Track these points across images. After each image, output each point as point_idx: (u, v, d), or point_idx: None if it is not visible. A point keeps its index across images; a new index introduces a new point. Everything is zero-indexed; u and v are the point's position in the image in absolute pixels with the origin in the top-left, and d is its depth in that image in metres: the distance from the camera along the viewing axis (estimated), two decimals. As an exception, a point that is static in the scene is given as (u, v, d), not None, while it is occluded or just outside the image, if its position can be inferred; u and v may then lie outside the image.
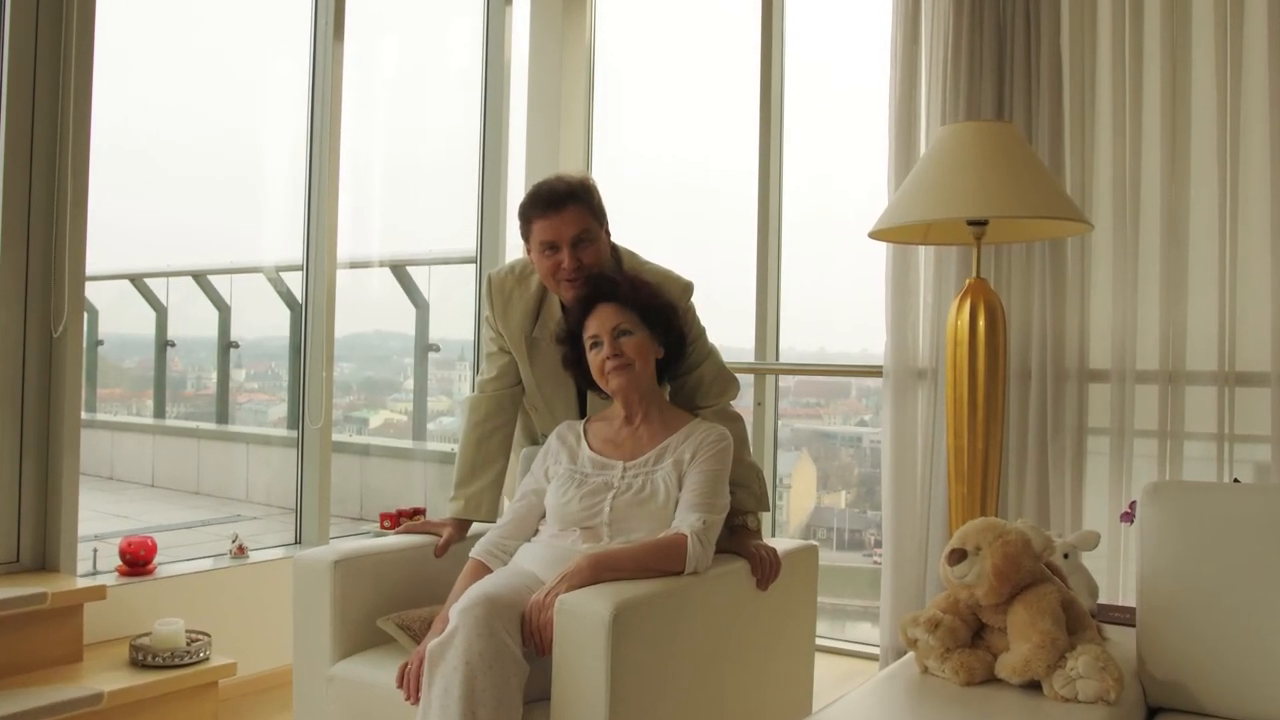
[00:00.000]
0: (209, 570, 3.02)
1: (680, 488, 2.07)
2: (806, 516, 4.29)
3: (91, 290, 2.79)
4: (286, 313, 4.01)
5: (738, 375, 2.40)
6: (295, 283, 3.64)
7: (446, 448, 4.39)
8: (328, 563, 2.09)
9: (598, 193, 2.27)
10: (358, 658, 2.08)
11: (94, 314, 4.38)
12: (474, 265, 4.07)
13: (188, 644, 2.65)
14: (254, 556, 3.17)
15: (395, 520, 3.40)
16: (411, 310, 4.50)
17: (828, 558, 4.05)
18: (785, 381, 3.94)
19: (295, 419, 3.52)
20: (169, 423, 5.17)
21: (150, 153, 4.02)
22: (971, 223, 2.50)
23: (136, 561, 2.86)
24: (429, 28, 4.50)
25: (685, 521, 2.00)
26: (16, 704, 2.27)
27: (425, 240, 4.45)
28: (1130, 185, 2.88)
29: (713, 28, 4.18)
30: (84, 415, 2.74)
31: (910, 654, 1.81)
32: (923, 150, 3.07)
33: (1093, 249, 2.95)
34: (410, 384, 4.70)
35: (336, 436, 3.53)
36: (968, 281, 2.59)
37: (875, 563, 3.79)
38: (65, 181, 2.65)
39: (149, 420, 5.22)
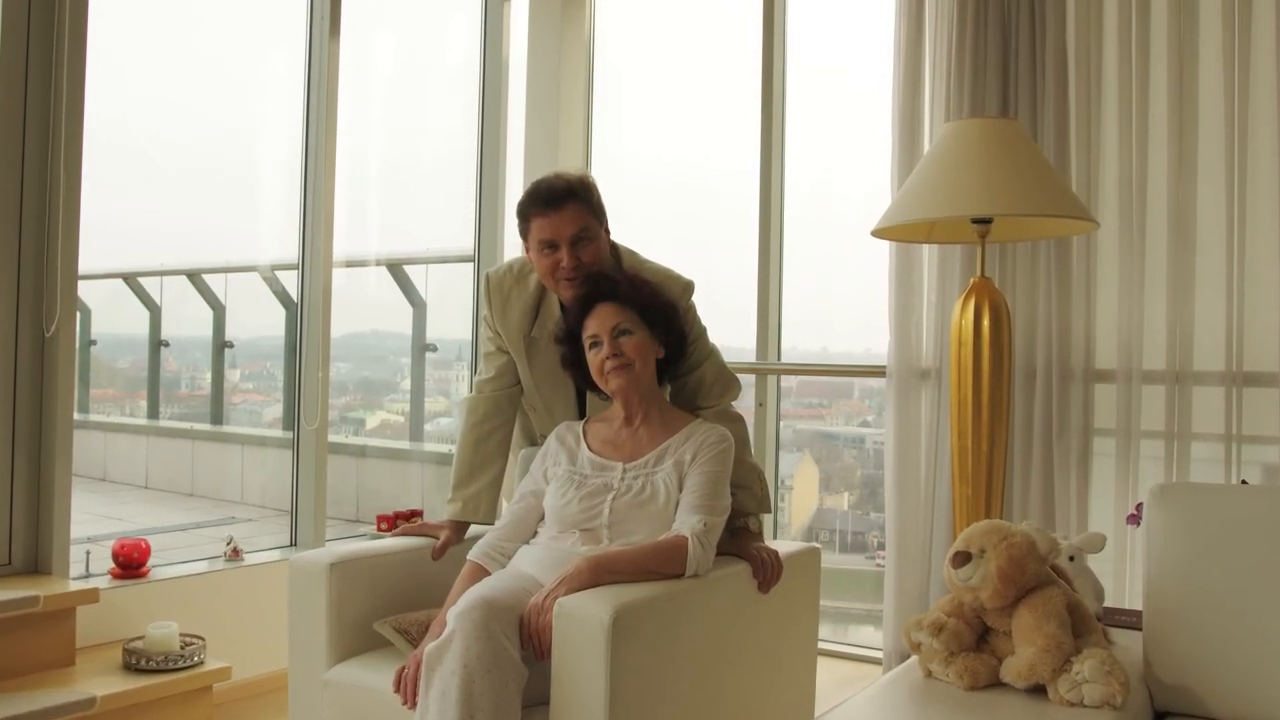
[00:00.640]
0: (203, 573, 3.02)
1: (681, 489, 2.07)
2: (809, 518, 4.29)
3: (84, 289, 2.79)
4: (282, 312, 4.00)
5: (739, 375, 2.40)
6: (291, 282, 3.64)
7: (444, 449, 4.39)
8: (324, 565, 2.09)
9: (597, 190, 2.27)
10: (354, 661, 2.08)
11: (87, 313, 4.38)
12: (472, 264, 4.07)
13: (182, 648, 2.65)
14: (249, 559, 3.17)
15: (392, 522, 3.39)
16: (408, 309, 4.50)
17: (830, 560, 4.05)
18: (787, 382, 3.93)
19: (291, 420, 3.52)
20: (163, 423, 5.17)
21: (144, 150, 4.02)
22: (976, 221, 2.50)
23: (130, 564, 2.86)
24: (426, 24, 4.50)
25: (686, 523, 2.00)
26: (8, 709, 2.27)
27: (422, 239, 4.45)
28: (1137, 183, 2.87)
29: (713, 24, 4.18)
30: (77, 416, 2.75)
31: (914, 658, 1.81)
32: (926, 147, 3.07)
33: (1098, 247, 2.95)
34: (407, 384, 4.70)
35: (333, 437, 3.53)
36: (972, 280, 2.59)
37: (878, 565, 3.79)
38: (58, 179, 2.65)
39: (142, 421, 5.22)
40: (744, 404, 3.49)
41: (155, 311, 4.98)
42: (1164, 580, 1.77)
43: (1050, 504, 2.95)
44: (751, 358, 3.66)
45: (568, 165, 3.96)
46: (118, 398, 5.34)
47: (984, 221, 2.50)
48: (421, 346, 4.56)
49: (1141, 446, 2.87)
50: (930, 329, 3.13)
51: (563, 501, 2.11)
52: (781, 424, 3.80)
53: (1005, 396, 2.56)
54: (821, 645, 2.62)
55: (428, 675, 1.76)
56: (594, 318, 2.14)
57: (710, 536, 2.00)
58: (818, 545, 2.45)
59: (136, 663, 2.58)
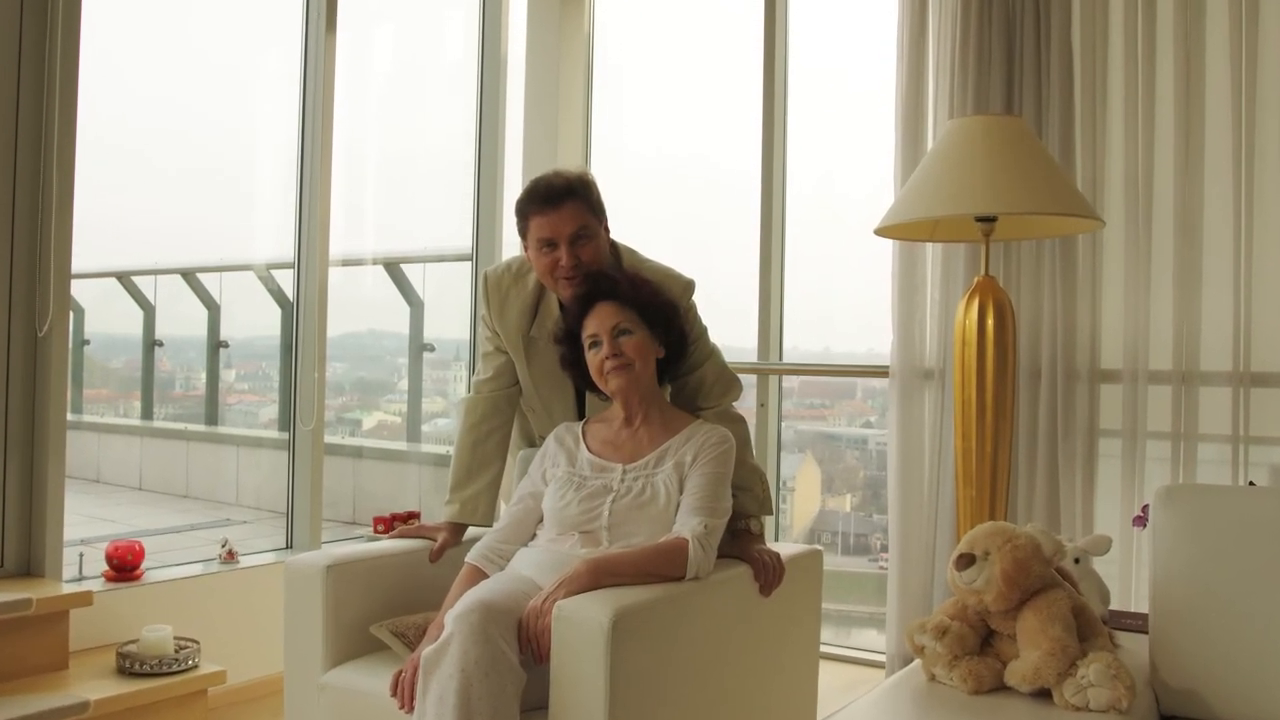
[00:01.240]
0: (198, 575, 3.02)
1: (681, 491, 2.07)
2: (811, 520, 4.29)
3: (77, 288, 2.79)
4: (278, 311, 4.00)
5: (740, 376, 2.40)
6: (286, 281, 3.64)
7: (442, 450, 4.39)
8: (320, 568, 2.09)
9: (596, 188, 2.27)
10: (350, 665, 2.08)
11: (80, 313, 4.38)
12: (470, 263, 4.07)
13: (176, 651, 2.65)
14: (244, 561, 3.17)
15: (389, 524, 3.40)
16: (406, 309, 4.50)
17: (832, 562, 4.05)
18: (789, 382, 3.94)
19: (286, 420, 3.52)
20: (157, 424, 5.16)
21: (138, 147, 4.01)
22: (980, 219, 2.50)
23: (124, 566, 2.86)
24: (424, 20, 4.50)
25: (686, 525, 2.00)
26: (1, 713, 2.26)
27: (420, 237, 4.45)
28: (1143, 180, 2.88)
29: (714, 20, 4.18)
30: (70, 417, 2.74)
31: (917, 661, 1.80)
32: (930, 145, 3.07)
33: (1104, 246, 2.95)
34: (404, 385, 4.70)
35: (329, 438, 3.53)
36: (976, 279, 2.59)
37: (881, 568, 3.79)
38: (50, 177, 2.65)
39: (136, 422, 5.21)
40: (745, 404, 3.50)
41: (149, 311, 4.98)
42: (1170, 583, 1.77)
43: (1055, 506, 2.95)
44: (753, 358, 3.66)
45: (567, 163, 3.96)
46: (111, 398, 5.34)
47: (988, 220, 2.50)
48: (419, 346, 4.57)
49: (1148, 447, 2.87)
50: (934, 328, 3.13)
51: (562, 503, 2.11)
52: (783, 425, 3.80)
53: (1009, 397, 2.56)
54: (824, 649, 2.62)
55: (425, 679, 1.76)
56: (593, 317, 2.14)
57: (711, 539, 2.00)
58: (820, 547, 2.45)
59: (130, 666, 2.58)
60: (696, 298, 2.36)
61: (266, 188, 4.00)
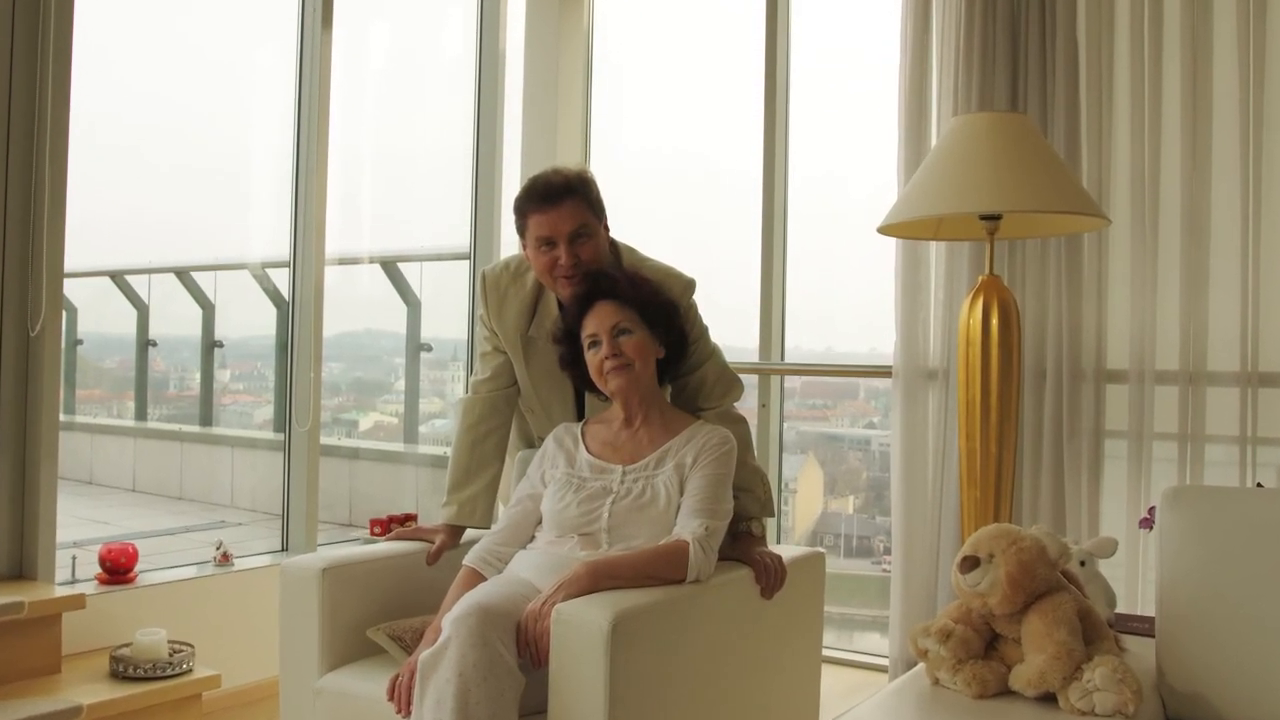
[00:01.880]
0: (192, 578, 3.02)
1: (682, 492, 2.07)
2: (813, 522, 4.29)
3: (70, 287, 2.79)
4: (273, 311, 4.00)
5: (741, 376, 2.40)
6: (282, 280, 3.64)
7: (439, 451, 4.39)
8: (315, 571, 2.09)
9: (596, 186, 2.27)
10: (347, 669, 2.08)
11: (73, 312, 4.39)
12: (467, 261, 4.07)
13: (170, 655, 2.65)
14: (239, 564, 3.17)
15: (386, 526, 3.40)
16: (403, 308, 4.51)
17: (835, 565, 4.05)
18: (791, 382, 3.94)
19: (282, 421, 3.52)
20: (150, 425, 5.17)
21: (132, 144, 4.02)
22: (984, 217, 2.50)
23: (117, 569, 2.86)
24: (421, 14, 4.50)
25: (687, 528, 2.00)
26: (-8, 717, 2.27)
27: (417, 235, 4.45)
28: (1149, 178, 2.87)
29: (715, 15, 4.18)
30: (62, 417, 2.74)
31: (921, 665, 1.81)
32: (934, 142, 3.07)
33: (1110, 245, 2.95)
34: (401, 385, 4.70)
35: (325, 439, 3.53)
36: (980, 278, 2.59)
37: (884, 570, 3.79)
38: (43, 174, 2.65)
39: (130, 422, 5.22)
40: (746, 405, 3.50)
41: (143, 310, 4.98)
42: (1177, 586, 1.77)
43: (1060, 507, 2.95)
44: (754, 358, 3.66)
45: (566, 160, 3.96)
46: (104, 399, 5.34)
47: (993, 218, 2.50)
48: (416, 346, 4.57)
49: (1154, 449, 2.87)
50: (937, 328, 3.13)
51: (561, 505, 2.11)
52: (785, 425, 3.80)
53: (1014, 397, 2.56)
54: (826, 652, 2.62)
55: (422, 683, 1.76)
56: (593, 317, 2.14)
57: (712, 541, 2.01)
58: (822, 550, 2.45)
59: (124, 670, 2.58)
60: (697, 297, 2.36)
61: (262, 185, 4.00)
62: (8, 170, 2.63)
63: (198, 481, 5.00)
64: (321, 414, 3.44)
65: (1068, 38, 2.96)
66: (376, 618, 2.15)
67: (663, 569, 1.94)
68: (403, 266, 4.45)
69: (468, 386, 2.50)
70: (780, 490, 3.82)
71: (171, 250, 4.65)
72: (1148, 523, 2.50)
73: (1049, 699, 1.65)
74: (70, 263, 2.73)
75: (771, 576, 2.16)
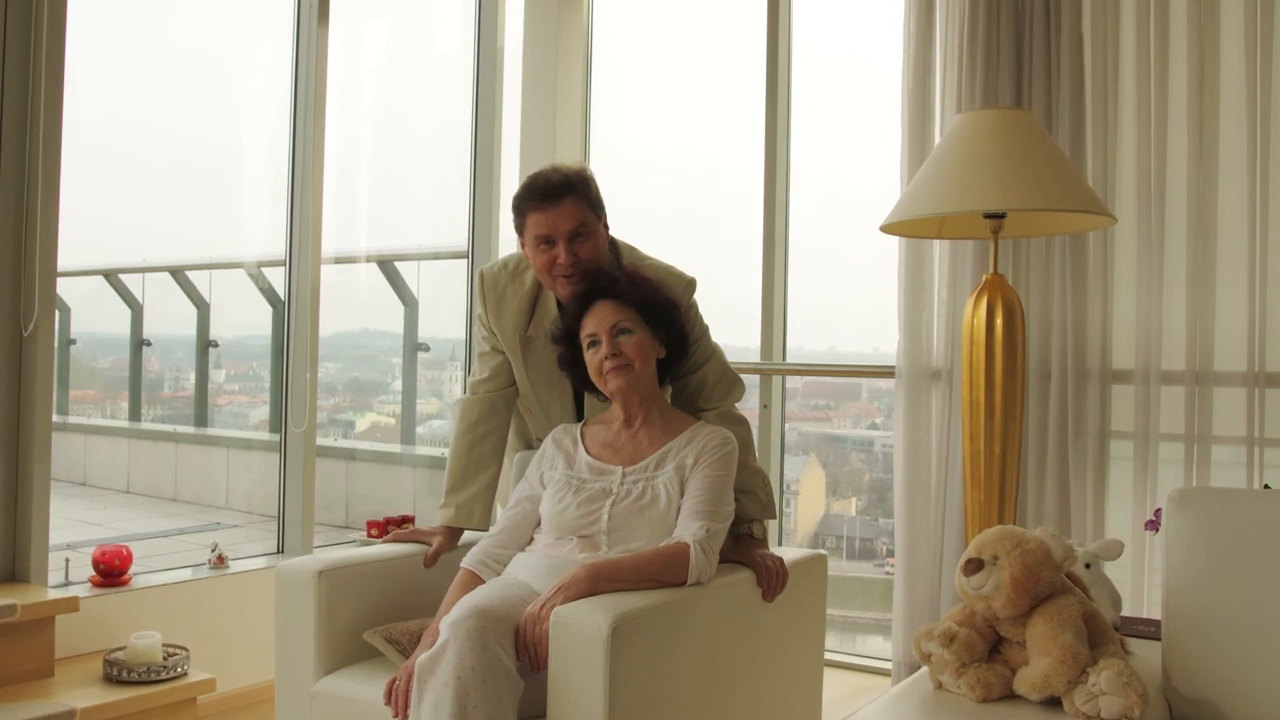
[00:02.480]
0: (187, 581, 3.02)
1: (682, 494, 2.07)
2: (815, 524, 4.29)
3: (63, 287, 2.80)
4: (268, 310, 4.01)
5: (743, 376, 2.41)
6: (278, 279, 3.64)
7: (436, 452, 4.39)
8: (312, 573, 2.09)
9: (595, 184, 2.27)
10: (343, 673, 2.08)
11: (66, 312, 4.38)
12: (465, 260, 4.07)
13: (164, 658, 2.65)
14: (234, 566, 3.17)
15: (383, 528, 3.40)
16: (400, 308, 4.51)
17: (837, 568, 4.06)
18: (793, 383, 3.94)
19: (278, 422, 3.52)
20: (145, 426, 5.17)
21: (125, 142, 4.02)
22: (988, 216, 2.50)
23: (111, 572, 2.86)
24: (419, 10, 4.50)
25: (688, 530, 2.00)
26: (-15, 721, 2.27)
27: (414, 234, 4.45)
28: (1155, 176, 2.87)
29: (716, 11, 4.18)
30: (55, 418, 2.74)
31: (924, 669, 1.81)
32: (937, 140, 3.07)
33: (1116, 243, 2.95)
34: (398, 385, 4.70)
35: (321, 440, 3.53)
36: (984, 277, 2.59)
37: (887, 573, 3.79)
38: (36, 172, 2.65)
39: (124, 423, 5.22)
40: (748, 406, 3.50)
41: (137, 310, 4.98)
42: (1183, 588, 1.77)
43: (1065, 509, 2.95)
44: (756, 358, 3.66)
45: (565, 158, 3.95)
46: (98, 399, 5.34)
47: (997, 216, 2.50)
48: (413, 346, 4.57)
49: (1160, 450, 2.87)
50: (941, 328, 3.13)
51: (560, 507, 2.11)
52: (787, 426, 3.80)
53: (1019, 398, 2.56)
54: (828, 656, 2.62)
55: (420, 687, 1.76)
56: (592, 316, 2.15)
57: (713, 543, 2.01)
58: (824, 552, 2.45)
59: (117, 674, 2.58)
60: (698, 296, 2.36)
61: (257, 183, 4.00)
62: (0, 168, 2.63)
63: (192, 483, 4.99)
64: (318, 415, 3.45)
65: (1073, 33, 2.96)
66: (373, 621, 2.15)
67: (663, 571, 1.94)
68: (400, 265, 4.45)
69: (465, 387, 2.51)
70: (782, 492, 3.82)
71: (166, 249, 4.65)
72: (1154, 525, 2.51)
73: (1054, 703, 1.65)
74: (63, 262, 2.73)
75: (773, 579, 2.16)
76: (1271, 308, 2.76)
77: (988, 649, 1.75)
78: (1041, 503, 2.97)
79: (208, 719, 2.85)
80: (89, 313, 4.85)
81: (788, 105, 3.69)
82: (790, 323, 3.69)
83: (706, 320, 2.37)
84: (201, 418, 4.95)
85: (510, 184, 3.93)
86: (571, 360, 2.21)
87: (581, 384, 2.25)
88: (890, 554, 3.47)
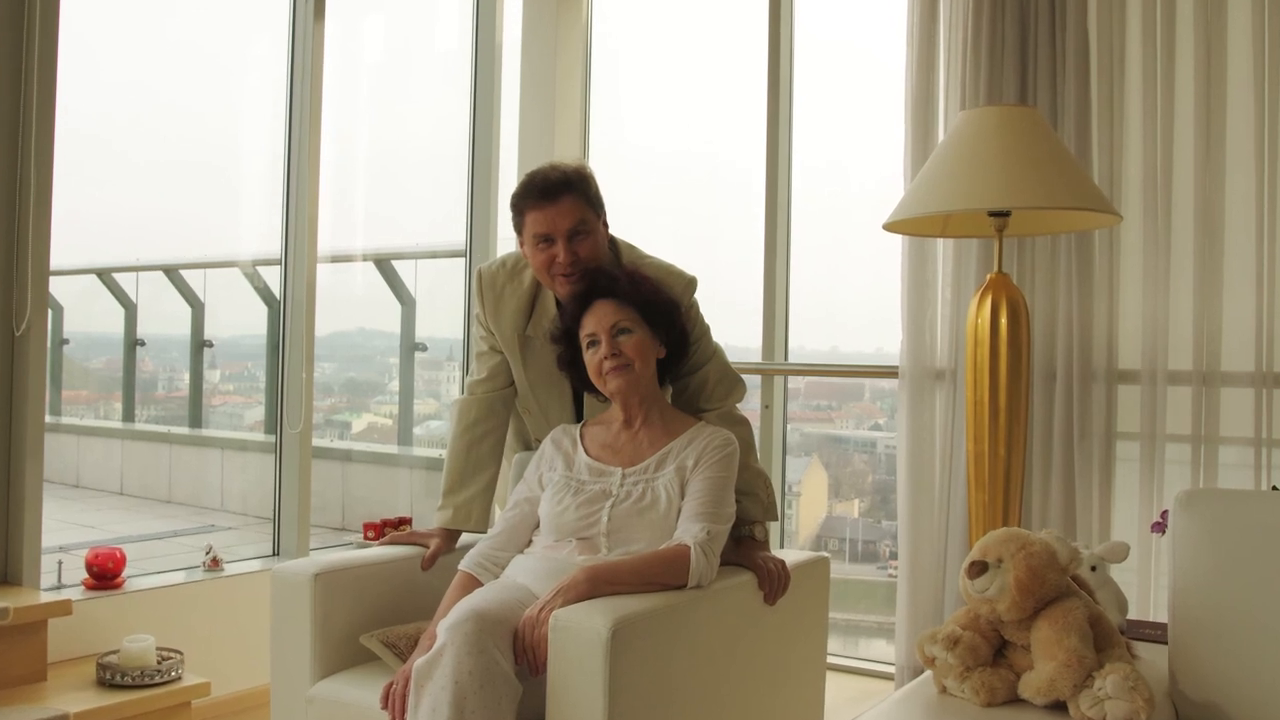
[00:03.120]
0: (181, 584, 3.02)
1: (683, 496, 2.07)
2: (817, 526, 4.29)
3: (56, 286, 2.79)
4: (264, 310, 4.00)
5: (744, 376, 2.40)
6: (273, 278, 3.64)
7: (434, 453, 4.39)
8: (308, 576, 2.09)
9: (595, 182, 2.27)
10: (339, 677, 2.08)
11: (58, 311, 4.38)
12: (463, 259, 4.07)
13: (158, 662, 2.65)
14: (229, 569, 3.17)
15: (379, 530, 3.40)
16: (397, 307, 4.50)
17: (840, 570, 4.05)
18: (795, 383, 3.94)
19: (273, 423, 3.52)
20: (138, 427, 5.17)
21: (119, 139, 4.02)
22: (993, 214, 2.50)
23: (104, 574, 2.86)
24: (416, 6, 4.50)
25: (688, 532, 2.00)
26: (-24, 726, 2.27)
27: (411, 232, 4.45)
28: (1162, 174, 2.88)
29: (718, 7, 4.18)
30: (48, 419, 2.74)
31: (928, 673, 1.81)
32: (941, 136, 3.07)
33: (1122, 242, 2.95)
34: (395, 385, 4.70)
35: (317, 441, 3.53)
36: (989, 276, 2.59)
37: (890, 576, 3.79)
38: (28, 170, 2.64)
39: (117, 424, 5.22)
40: (749, 406, 3.50)
41: (130, 309, 4.98)
42: (1190, 591, 1.77)
43: (1071, 511, 2.95)
44: (757, 357, 3.66)
45: (564, 155, 3.96)
46: (91, 400, 5.34)
47: (1001, 214, 2.50)
48: (410, 346, 4.57)
49: (1167, 451, 2.87)
50: (945, 327, 3.13)
51: (559, 509, 2.11)
52: (789, 427, 3.80)
53: (1024, 398, 2.56)
54: (831, 660, 2.62)
55: (417, 691, 1.76)
56: (591, 315, 2.14)
57: (714, 545, 2.01)
58: (827, 555, 2.45)
59: (111, 678, 2.58)
60: (698, 295, 2.36)
61: (252, 181, 4.00)
62: (-8, 166, 2.63)
63: (187, 484, 4.99)
64: (314, 415, 3.45)
65: (1078, 29, 2.96)
66: (370, 624, 2.15)
67: (663, 574, 1.94)
68: (397, 264, 4.45)
69: (463, 387, 2.51)
70: (783, 494, 3.82)
71: (160, 247, 4.65)
72: (1160, 527, 2.51)
73: (1059, 707, 1.65)
74: (56, 260, 2.73)
75: (775, 582, 2.16)
76: (1280, 307, 2.77)
77: (992, 653, 1.75)
78: (1047, 505, 2.97)
79: (202, 724, 2.85)
80: (82, 312, 4.85)
81: (790, 100, 3.69)
82: (792, 322, 3.69)
83: (707, 320, 2.37)
84: (196, 418, 4.95)
85: (509, 181, 3.93)
86: (571, 360, 2.21)
87: (581, 384, 2.25)
88: (893, 556, 3.47)
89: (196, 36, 4.08)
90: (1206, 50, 2.82)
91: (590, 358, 2.15)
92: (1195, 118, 2.83)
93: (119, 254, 4.77)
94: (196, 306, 4.80)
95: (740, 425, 2.31)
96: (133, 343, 4.99)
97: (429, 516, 2.49)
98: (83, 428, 5.29)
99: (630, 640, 1.76)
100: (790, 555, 2.29)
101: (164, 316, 4.95)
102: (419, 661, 1.78)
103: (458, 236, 4.08)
